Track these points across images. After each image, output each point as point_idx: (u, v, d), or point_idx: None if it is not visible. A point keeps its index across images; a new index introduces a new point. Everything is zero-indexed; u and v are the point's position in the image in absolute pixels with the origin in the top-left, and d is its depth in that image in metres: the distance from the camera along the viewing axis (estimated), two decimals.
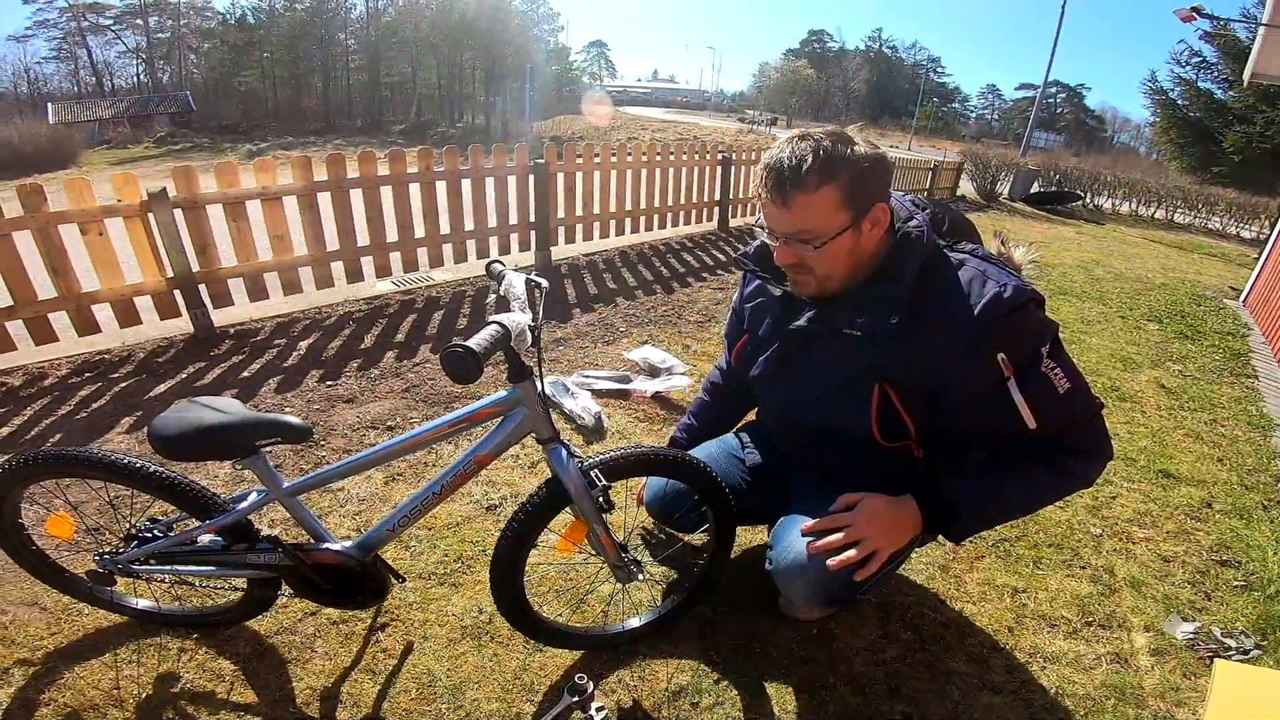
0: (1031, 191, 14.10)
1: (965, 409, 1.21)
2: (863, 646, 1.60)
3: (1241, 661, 1.64)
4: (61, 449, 1.34)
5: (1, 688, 1.38)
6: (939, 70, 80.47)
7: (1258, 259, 6.39)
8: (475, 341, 1.03)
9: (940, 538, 1.39)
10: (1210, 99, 23.63)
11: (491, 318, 1.12)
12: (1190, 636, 1.72)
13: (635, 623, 1.57)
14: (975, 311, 1.13)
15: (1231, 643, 1.70)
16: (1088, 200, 14.99)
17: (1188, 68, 24.40)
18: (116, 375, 2.85)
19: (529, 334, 1.15)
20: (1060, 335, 1.23)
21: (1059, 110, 70.73)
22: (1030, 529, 2.11)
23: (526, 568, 1.40)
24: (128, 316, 3.11)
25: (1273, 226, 6.68)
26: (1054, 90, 67.78)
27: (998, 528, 2.08)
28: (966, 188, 13.27)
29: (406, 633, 1.56)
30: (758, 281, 1.46)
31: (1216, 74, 23.58)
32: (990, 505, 1.28)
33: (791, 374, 1.38)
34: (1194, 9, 6.16)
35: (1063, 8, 17.45)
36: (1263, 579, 1.98)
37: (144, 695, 1.37)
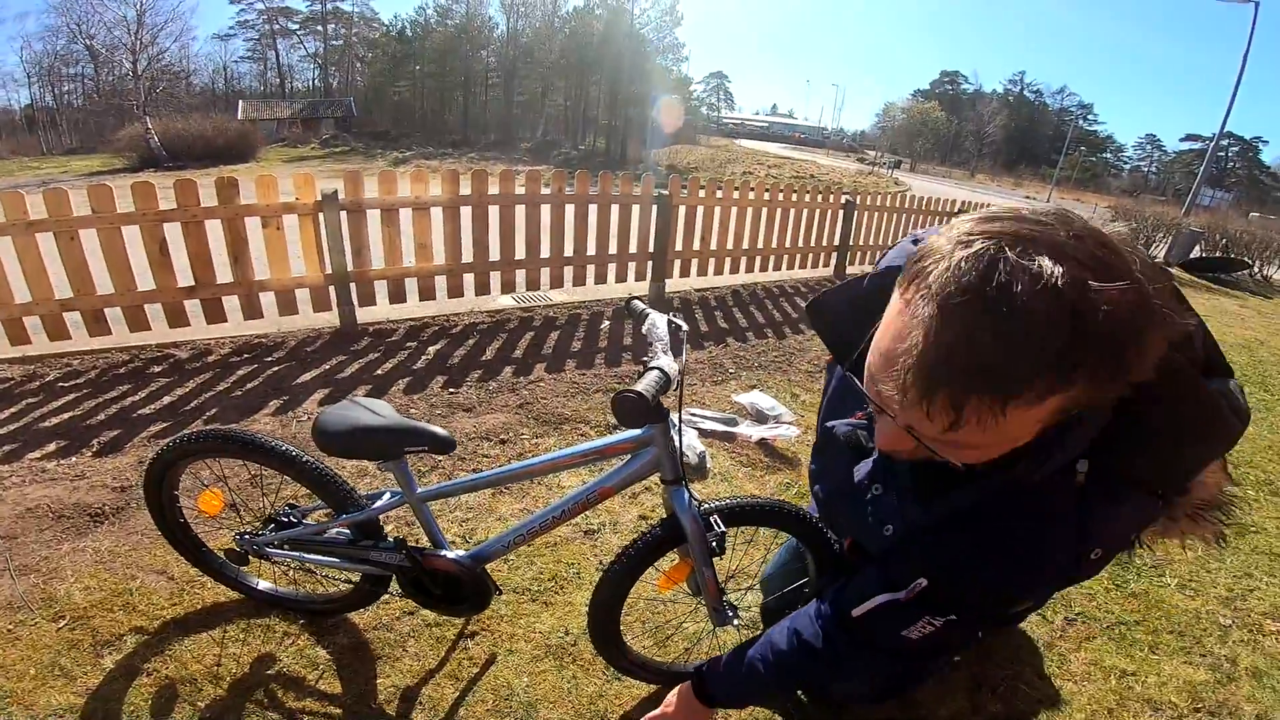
0: (1192, 256, 12.74)
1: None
2: (947, 715, 1.52)
3: None
4: (231, 429, 1.45)
5: (111, 653, 1.49)
6: (1090, 118, 74.95)
7: None
8: (644, 387, 1.08)
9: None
10: None
11: (653, 363, 1.17)
12: None
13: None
14: (968, 550, 0.84)
15: None
16: (1256, 269, 13.34)
17: None
18: (270, 359, 3.16)
19: (674, 379, 1.18)
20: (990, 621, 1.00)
21: (1229, 165, 63.80)
22: (1152, 614, 1.96)
23: (627, 600, 1.41)
24: (287, 306, 3.43)
25: None
26: (1225, 143, 61.25)
27: (1114, 610, 1.96)
28: None
29: (494, 644, 1.60)
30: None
31: None
32: (734, 684, 1.18)
33: (823, 459, 1.25)
34: None
35: (1245, 54, 15.73)
36: None
37: (241, 674, 1.46)
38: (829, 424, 1.07)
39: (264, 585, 1.65)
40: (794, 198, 5.57)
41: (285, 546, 1.47)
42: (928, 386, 0.56)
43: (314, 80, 51.81)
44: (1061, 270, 0.52)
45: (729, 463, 2.59)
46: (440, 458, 2.41)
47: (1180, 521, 0.86)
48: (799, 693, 1.54)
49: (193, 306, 3.22)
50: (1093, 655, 1.77)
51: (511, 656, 1.57)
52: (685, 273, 5.01)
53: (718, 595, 1.41)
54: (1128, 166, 76.18)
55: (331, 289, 3.51)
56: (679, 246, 4.88)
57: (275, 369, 3.06)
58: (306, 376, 3.02)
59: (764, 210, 5.34)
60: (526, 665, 1.55)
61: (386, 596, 1.62)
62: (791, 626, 1.12)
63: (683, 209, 4.80)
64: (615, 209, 4.46)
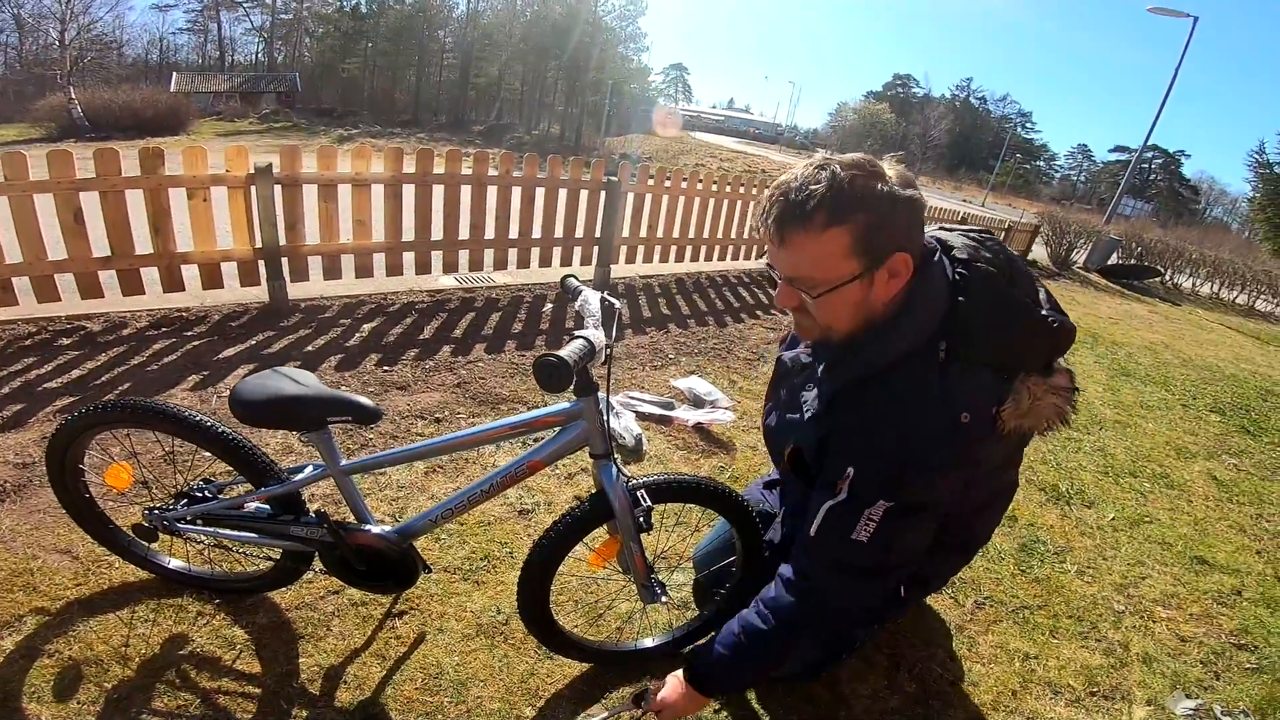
0: (1109, 263, 13.56)
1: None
2: (866, 693, 1.60)
3: None
4: (141, 399, 1.39)
5: (9, 635, 1.41)
6: (1028, 125, 78.38)
7: None
8: (568, 353, 1.08)
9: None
10: None
11: (578, 332, 1.17)
12: (1189, 713, 1.70)
13: (649, 643, 1.59)
14: (885, 416, 1.04)
15: None
16: (1167, 277, 14.32)
17: None
18: (190, 334, 3.02)
19: (602, 352, 1.20)
20: (930, 507, 1.09)
21: (1152, 177, 67.84)
22: (1053, 599, 2.09)
23: (555, 575, 1.43)
24: (211, 279, 3.29)
25: None
26: (1150, 155, 65.04)
27: (1018, 595, 2.08)
28: (1039, 252, 12.85)
29: (423, 623, 1.59)
30: None
31: None
32: (730, 670, 1.24)
33: (776, 400, 1.39)
34: None
35: (1176, 70, 16.64)
36: (1276, 664, 1.93)
37: (150, 655, 1.40)
38: (781, 354, 1.37)
39: (175, 564, 1.58)
40: (740, 190, 5.66)
41: (198, 522, 1.42)
42: (771, 225, 0.97)
43: (258, 54, 49.14)
44: (836, 168, 0.93)
45: (665, 445, 2.63)
46: (370, 435, 2.37)
47: (1033, 406, 1.02)
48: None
49: (108, 278, 3.04)
50: (999, 638, 1.86)
51: (441, 635, 1.56)
52: (631, 259, 5.03)
53: (646, 572, 1.43)
54: (1059, 174, 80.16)
55: (261, 263, 3.38)
56: (625, 233, 4.90)
57: (196, 343, 2.93)
58: (229, 352, 2.90)
59: (711, 201, 5.41)
60: (457, 644, 1.55)
61: (309, 575, 1.58)
62: (759, 599, 1.23)
63: (631, 196, 4.82)
64: (563, 193, 4.44)
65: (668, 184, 5.03)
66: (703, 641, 1.40)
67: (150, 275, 3.14)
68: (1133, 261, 14.02)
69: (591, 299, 1.33)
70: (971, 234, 1.14)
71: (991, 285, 1.05)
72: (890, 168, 0.96)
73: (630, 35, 45.35)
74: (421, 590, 1.67)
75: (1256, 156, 23.63)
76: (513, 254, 4.35)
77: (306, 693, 1.39)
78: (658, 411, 2.83)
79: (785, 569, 1.21)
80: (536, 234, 4.40)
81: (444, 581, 1.73)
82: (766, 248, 1.03)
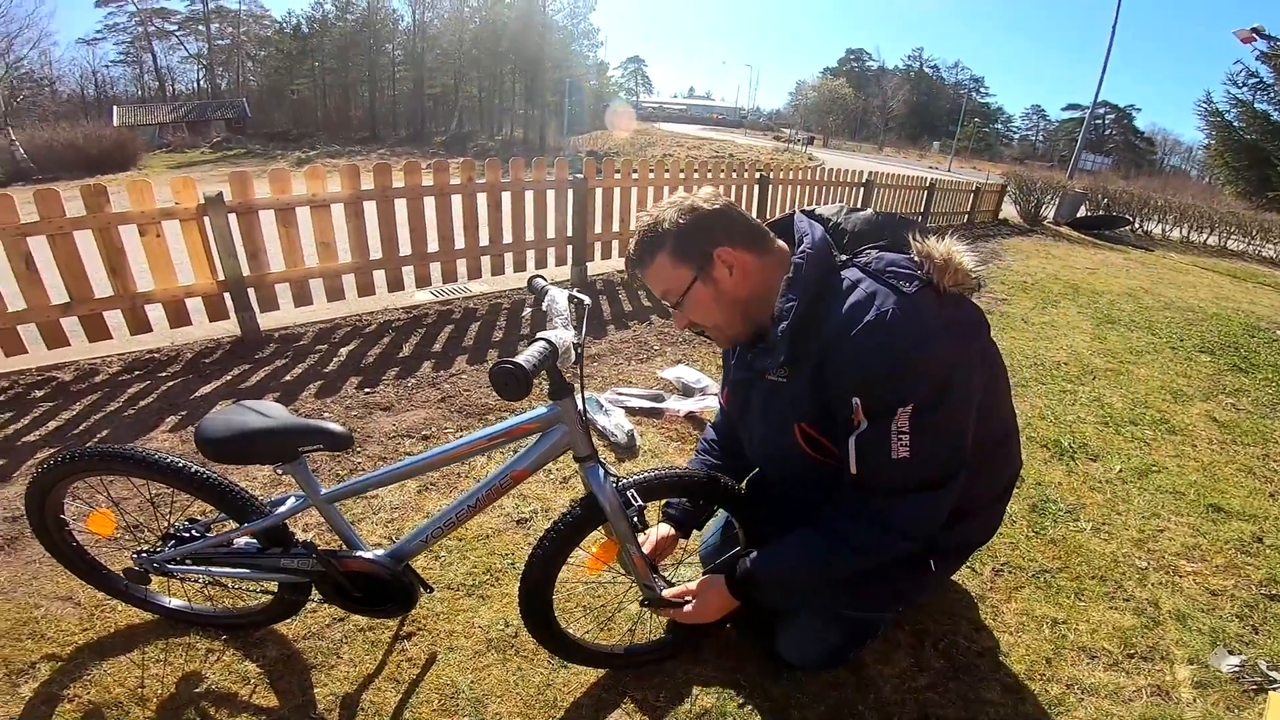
0: (1078, 215, 13.72)
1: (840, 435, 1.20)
2: (893, 674, 1.56)
3: None
4: (107, 445, 1.38)
5: (27, 682, 1.40)
6: (982, 90, 79.49)
7: None
8: (524, 359, 1.03)
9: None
10: (1267, 121, 22.53)
11: (539, 335, 1.12)
12: (1235, 669, 1.66)
13: (659, 643, 1.56)
14: (845, 346, 1.10)
15: (1278, 676, 1.64)
16: (1136, 225, 14.52)
17: (1245, 89, 23.26)
18: (164, 374, 2.94)
19: (572, 351, 1.15)
20: (945, 391, 1.11)
21: (1107, 132, 69.07)
22: (1073, 560, 2.05)
23: (556, 584, 1.39)
24: (178, 317, 3.21)
25: None
26: (1102, 111, 66.19)
27: (1036, 558, 2.04)
28: (1009, 211, 12.98)
29: (432, 643, 1.56)
30: None
31: (1274, 95, 22.57)
32: (784, 574, 1.30)
33: (747, 418, 1.41)
34: (1254, 30, 5.98)
35: (1113, 28, 17.01)
36: None
37: (167, 694, 1.39)
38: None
39: (176, 603, 1.57)
40: (709, 176, 5.64)
41: (188, 562, 1.40)
42: (633, 272, 1.27)
43: (199, 82, 48.28)
44: (660, 213, 1.21)
45: (658, 439, 2.60)
46: (360, 459, 2.32)
47: (947, 290, 1.13)
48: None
49: (72, 325, 2.95)
50: (1023, 605, 1.83)
51: (452, 654, 1.53)
52: (607, 255, 4.99)
53: (648, 572, 1.40)
54: (1017, 136, 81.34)
55: (227, 296, 3.29)
56: (599, 229, 4.85)
57: (170, 384, 2.85)
58: (206, 389, 2.82)
59: (680, 189, 5.37)
60: (469, 661, 1.51)
61: (313, 606, 1.56)
62: (812, 525, 1.27)
63: (599, 192, 4.78)
64: (530, 195, 4.39)
65: (635, 175, 5.00)
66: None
67: (115, 319, 3.06)
68: (1101, 213, 14.21)
69: (559, 297, 1.29)
70: (843, 206, 1.33)
71: (851, 214, 1.29)
72: (701, 193, 1.23)
73: (583, 32, 45.20)
74: (426, 610, 1.64)
75: (1205, 106, 24.12)
76: (486, 262, 4.30)
77: None
78: (647, 405, 2.80)
79: (833, 509, 1.25)
80: (507, 239, 4.35)
81: (448, 599, 1.69)
82: None
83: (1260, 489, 2.65)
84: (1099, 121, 65.26)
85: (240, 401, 1.31)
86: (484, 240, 4.24)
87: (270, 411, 1.28)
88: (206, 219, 3.13)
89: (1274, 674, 1.65)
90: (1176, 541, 2.22)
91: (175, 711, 1.35)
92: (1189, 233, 14.69)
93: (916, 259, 1.15)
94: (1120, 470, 2.69)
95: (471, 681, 1.46)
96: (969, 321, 1.19)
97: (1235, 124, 23.07)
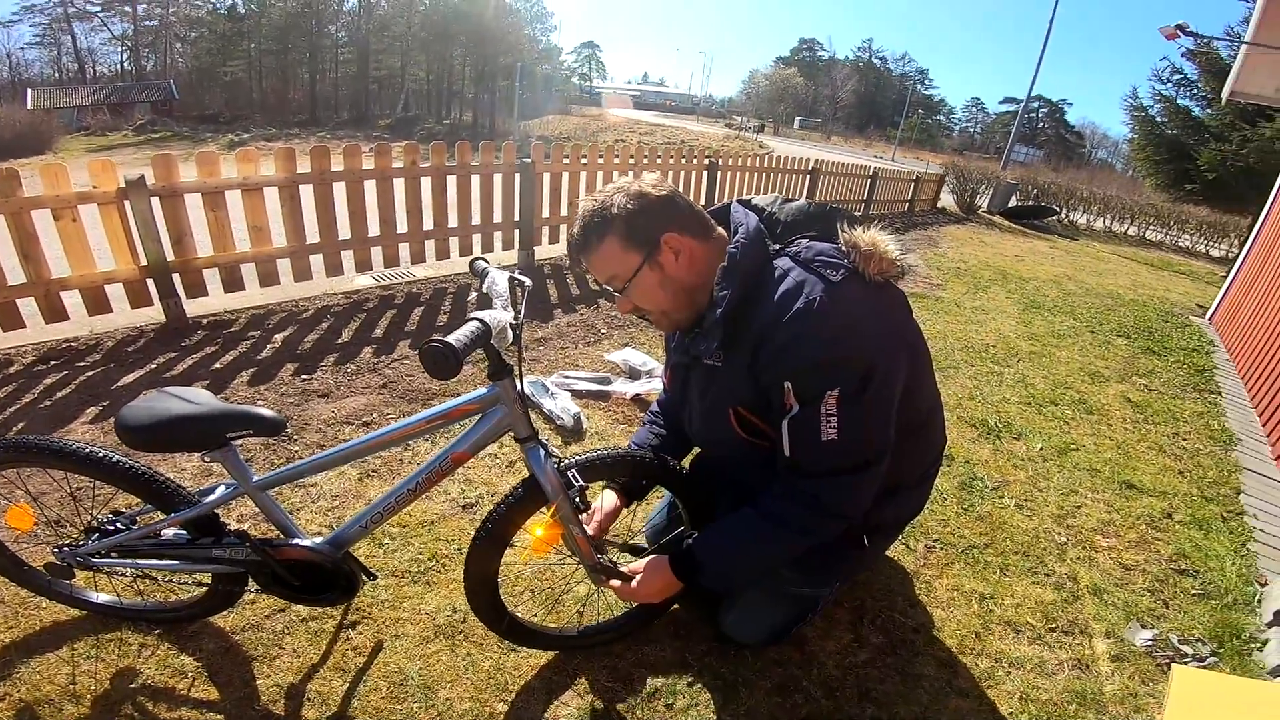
0: (1009, 205, 14.33)
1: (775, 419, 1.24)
2: (835, 650, 1.62)
3: (1198, 668, 1.67)
4: (23, 437, 1.31)
5: None
6: (926, 82, 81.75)
7: (1225, 277, 6.56)
8: (454, 338, 1.02)
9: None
10: (1188, 116, 23.63)
11: (472, 314, 1.11)
12: (1149, 643, 1.76)
13: (609, 624, 1.58)
14: (777, 334, 1.15)
15: (1188, 650, 1.75)
16: (1063, 215, 15.28)
17: (1169, 85, 24.33)
18: (83, 364, 2.78)
19: (510, 332, 1.15)
20: (870, 375, 1.15)
21: (1040, 125, 72.05)
22: (998, 536, 2.15)
23: (502, 567, 1.40)
24: (98, 304, 3.04)
25: (1242, 245, 6.85)
26: (1037, 105, 69.01)
27: (965, 534, 2.13)
28: (948, 199, 13.45)
29: (378, 631, 1.54)
30: None
31: (1196, 92, 23.52)
32: (725, 556, 1.33)
33: (687, 401, 1.46)
34: (1179, 26, 6.28)
35: (1050, 24, 17.78)
36: (1220, 588, 2.03)
37: (101, 691, 1.35)
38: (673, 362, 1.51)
39: (104, 598, 1.51)
40: (658, 161, 5.65)
41: (114, 554, 1.34)
42: (575, 257, 1.27)
43: (123, 64, 45.23)
44: (607, 197, 1.21)
45: (605, 421, 2.62)
46: (298, 447, 2.26)
47: (872, 278, 1.19)
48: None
49: None
50: (954, 580, 1.91)
51: (399, 641, 1.52)
52: (554, 239, 4.96)
53: (592, 553, 1.41)
54: (958, 127, 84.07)
55: (150, 282, 3.13)
56: (546, 214, 4.81)
57: (90, 373, 2.69)
58: (129, 378, 2.68)
59: (630, 174, 5.36)
60: (416, 648, 1.50)
61: (252, 597, 1.53)
62: (751, 505, 1.31)
63: (548, 176, 4.74)
64: (477, 179, 4.31)
65: (584, 160, 4.96)
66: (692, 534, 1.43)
67: (29, 307, 2.87)
68: (1031, 203, 14.88)
69: (499, 279, 1.28)
70: (777, 196, 1.38)
71: (785, 204, 1.32)
72: (645, 178, 1.25)
73: (536, 15, 44.31)
74: (370, 598, 1.62)
75: (1131, 101, 25.34)
76: (430, 246, 4.21)
77: (270, 714, 1.33)
78: (594, 387, 2.81)
79: (769, 492, 1.29)
80: (453, 224, 4.27)
81: (393, 586, 1.67)
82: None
83: (1170, 466, 2.84)
84: (1033, 115, 68.03)
85: (163, 389, 1.26)
86: (429, 224, 4.15)
87: (195, 398, 1.24)
88: (127, 203, 2.97)
89: (1185, 648, 1.75)
90: (1093, 517, 2.34)
91: (111, 707, 1.31)
92: (1111, 223, 15.55)
93: (844, 248, 1.20)
94: (1041, 448, 2.83)
95: (420, 668, 1.45)
96: (893, 308, 1.25)
97: (1158, 119, 24.26)
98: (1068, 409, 3.32)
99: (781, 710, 1.45)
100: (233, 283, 3.44)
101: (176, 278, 3.20)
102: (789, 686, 1.50)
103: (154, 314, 3.22)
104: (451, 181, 4.17)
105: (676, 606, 1.63)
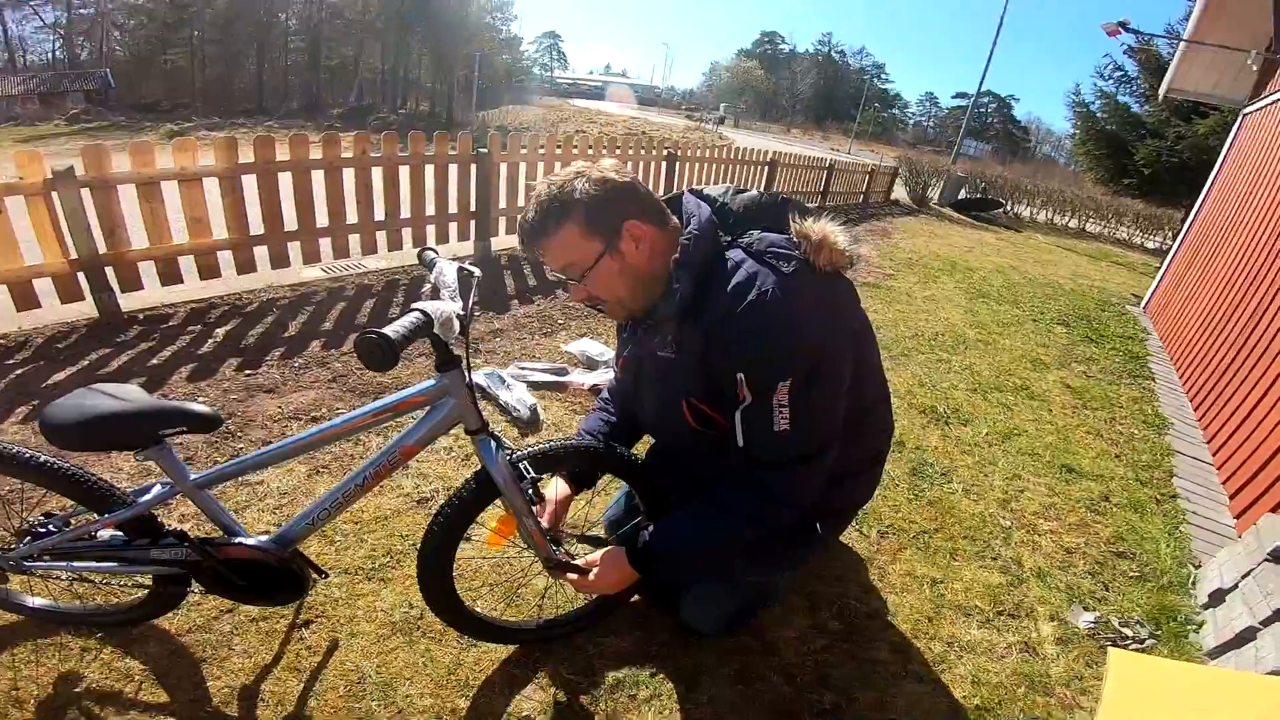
0: (959, 198, 14.77)
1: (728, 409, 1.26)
2: (794, 637, 1.65)
3: (1138, 650, 1.74)
4: None
5: None
6: (882, 76, 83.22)
7: (1159, 268, 6.89)
8: (392, 329, 0.99)
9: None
10: (1127, 112, 24.38)
11: (414, 305, 1.09)
12: (1091, 626, 1.82)
13: (569, 616, 1.57)
14: (729, 326, 1.16)
15: (1128, 632, 1.81)
16: (1009, 208, 15.84)
17: (1110, 81, 25.19)
18: (11, 362, 2.63)
19: (456, 322, 1.13)
20: (819, 365, 1.18)
21: (989, 120, 74.16)
22: (947, 521, 2.22)
23: (458, 561, 1.38)
24: (25, 299, 2.88)
25: (1174, 238, 7.20)
26: (986, 100, 70.92)
27: (916, 520, 2.19)
28: (900, 192, 13.78)
29: (332, 629, 1.51)
30: None
31: (1135, 88, 24.25)
32: (680, 547, 1.35)
33: (640, 391, 1.46)
34: (1120, 23, 6.49)
35: (1000, 20, 18.33)
36: (1155, 570, 2.13)
37: (45, 695, 1.30)
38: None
39: (40, 602, 1.44)
40: (617, 152, 5.63)
41: (47, 557, 1.29)
42: (529, 244, 1.21)
43: (54, 53, 42.59)
44: (551, 186, 1.17)
45: (562, 412, 2.61)
46: (243, 445, 2.19)
47: (822, 269, 1.20)
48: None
49: None
50: (906, 565, 1.96)
51: (355, 639, 1.49)
52: (511, 230, 4.89)
53: (546, 545, 1.40)
54: (912, 121, 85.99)
55: (81, 275, 2.98)
56: (503, 204, 4.76)
57: (19, 371, 2.55)
58: (60, 375, 2.55)
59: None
60: (373, 646, 1.48)
61: (195, 598, 1.48)
62: (706, 495, 1.32)
63: (504, 166, 4.67)
64: (430, 170, 4.22)
65: (541, 150, 4.91)
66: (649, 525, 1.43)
67: None
68: (978, 195, 15.38)
69: (447, 270, 1.26)
70: (729, 187, 1.37)
71: (737, 195, 1.32)
72: (604, 164, 1.21)
73: (497, 5, 43.35)
74: (324, 596, 1.59)
75: (1074, 97, 26.22)
76: (382, 237, 4.11)
77: (223, 715, 1.30)
78: (551, 379, 2.80)
79: (722, 483, 1.30)
80: (406, 214, 4.18)
81: (347, 584, 1.64)
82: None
83: (1107, 450, 2.97)
84: (982, 110, 69.91)
85: (92, 386, 1.20)
86: (379, 215, 4.05)
87: (125, 394, 1.18)
88: (55, 194, 2.82)
89: (1125, 630, 1.82)
90: (1035, 501, 2.43)
91: (56, 712, 1.27)
92: (1054, 215, 16.18)
93: (795, 239, 1.21)
94: (986, 433, 2.93)
95: (378, 666, 1.43)
96: (843, 299, 1.28)
97: (1098, 114, 25.13)
98: (1010, 395, 3.44)
99: (743, 698, 1.47)
100: (170, 276, 3.30)
101: (110, 271, 3.06)
102: (749, 674, 1.53)
103: (86, 309, 3.07)
104: (405, 172, 4.07)
105: (637, 597, 1.64)
